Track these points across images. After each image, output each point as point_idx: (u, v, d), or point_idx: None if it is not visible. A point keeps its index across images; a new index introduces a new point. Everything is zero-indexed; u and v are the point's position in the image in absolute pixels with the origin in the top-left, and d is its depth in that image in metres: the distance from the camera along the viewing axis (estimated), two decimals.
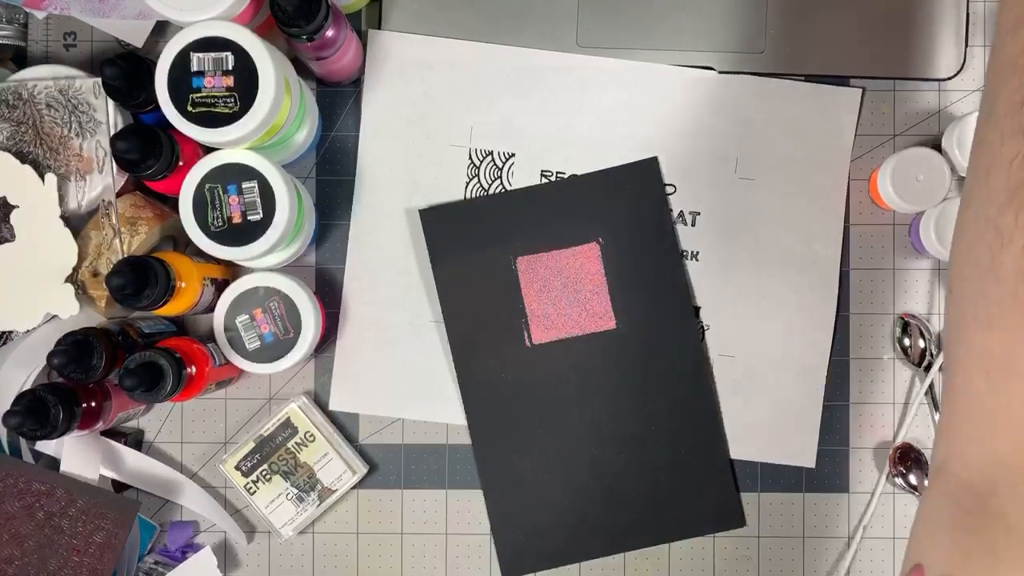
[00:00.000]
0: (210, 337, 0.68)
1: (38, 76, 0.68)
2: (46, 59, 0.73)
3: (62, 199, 0.67)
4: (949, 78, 0.73)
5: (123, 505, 0.67)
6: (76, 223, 0.68)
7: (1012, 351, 0.44)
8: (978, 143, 0.48)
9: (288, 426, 0.73)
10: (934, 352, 0.73)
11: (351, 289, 0.74)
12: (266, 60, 0.60)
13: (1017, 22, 0.47)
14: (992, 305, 0.45)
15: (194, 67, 0.60)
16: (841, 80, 0.74)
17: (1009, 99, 0.46)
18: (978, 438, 0.46)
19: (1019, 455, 0.44)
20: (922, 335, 0.73)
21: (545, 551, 0.73)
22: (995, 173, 0.46)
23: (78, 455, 0.68)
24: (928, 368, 0.73)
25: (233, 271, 0.72)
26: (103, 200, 0.68)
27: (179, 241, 0.72)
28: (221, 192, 0.63)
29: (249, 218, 0.63)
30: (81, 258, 0.67)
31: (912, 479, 0.72)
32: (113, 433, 0.73)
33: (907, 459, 0.72)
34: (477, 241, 0.73)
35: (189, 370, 0.64)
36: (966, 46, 0.73)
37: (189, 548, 0.73)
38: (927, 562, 0.46)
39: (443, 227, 0.73)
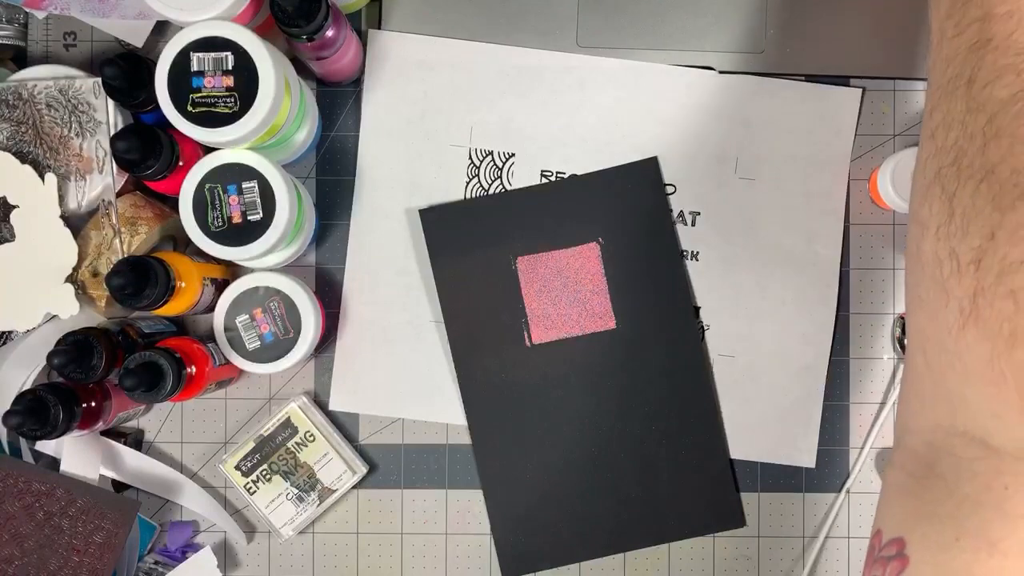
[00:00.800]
0: (210, 337, 0.68)
1: (38, 76, 0.68)
2: (46, 59, 0.73)
3: (62, 199, 0.67)
4: None
5: (123, 505, 0.67)
6: (76, 223, 0.68)
7: (937, 329, 0.48)
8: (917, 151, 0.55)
9: (288, 426, 0.73)
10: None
11: (351, 289, 0.74)
12: (266, 60, 0.60)
13: (938, 39, 0.53)
14: (920, 288, 0.50)
15: (194, 67, 0.60)
16: (841, 80, 0.74)
17: (926, 106, 0.53)
18: (922, 410, 0.51)
19: (953, 422, 0.48)
20: None
21: (545, 551, 0.73)
22: (918, 173, 0.52)
23: (78, 455, 0.68)
24: None
25: (233, 271, 0.72)
26: (103, 200, 0.68)
27: (179, 241, 0.72)
28: (221, 192, 0.63)
29: (249, 218, 0.63)
30: (81, 258, 0.67)
31: None
32: (113, 433, 0.73)
33: None
34: (477, 241, 0.73)
35: (189, 370, 0.64)
36: None
37: (189, 548, 0.73)
38: (884, 527, 0.50)
39: (443, 227, 0.73)
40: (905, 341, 0.71)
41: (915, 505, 0.48)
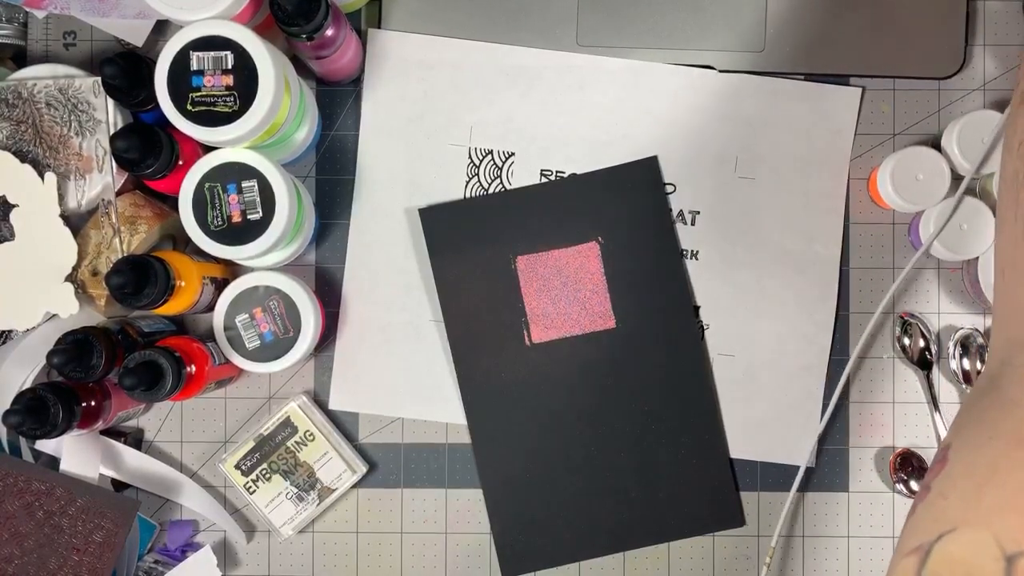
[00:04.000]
0: (210, 336, 0.68)
1: (38, 75, 0.68)
2: (46, 58, 0.73)
3: (62, 198, 0.67)
4: (949, 77, 0.73)
5: (123, 504, 0.67)
6: (76, 222, 0.68)
7: (1007, 243, 0.51)
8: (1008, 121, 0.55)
9: (288, 425, 0.73)
10: (933, 351, 0.73)
11: (351, 288, 0.74)
12: (266, 59, 0.60)
13: None
14: (1000, 208, 0.52)
15: (194, 66, 0.60)
16: (841, 79, 0.74)
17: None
18: (999, 329, 0.52)
19: (1020, 334, 0.49)
20: (922, 334, 0.73)
21: (545, 550, 0.73)
22: (1014, 101, 0.53)
23: (78, 454, 0.68)
24: (928, 367, 0.73)
25: (233, 270, 0.72)
26: (103, 199, 0.68)
27: (179, 240, 0.72)
28: (221, 191, 0.63)
29: (249, 217, 0.63)
30: (81, 257, 0.67)
31: (913, 485, 0.72)
32: (113, 432, 0.73)
33: (908, 465, 0.72)
34: (477, 240, 0.73)
35: (189, 369, 0.64)
36: (966, 45, 0.73)
37: (189, 547, 0.73)
38: (945, 442, 0.50)
39: (443, 226, 0.73)
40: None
41: (969, 414, 0.49)
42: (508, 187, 0.74)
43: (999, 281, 0.52)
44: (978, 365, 0.72)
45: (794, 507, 0.74)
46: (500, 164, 0.74)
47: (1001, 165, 0.55)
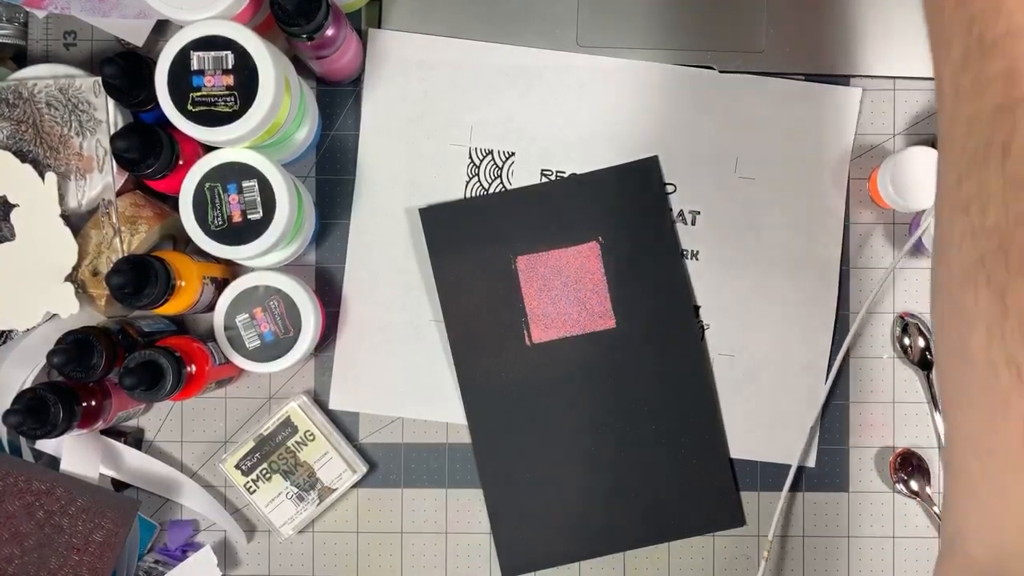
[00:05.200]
0: (210, 336, 0.68)
1: (38, 75, 0.68)
2: (46, 58, 0.73)
3: (62, 198, 0.67)
4: None
5: (123, 504, 0.67)
6: (76, 222, 0.68)
7: (998, 441, 0.43)
8: (936, 219, 0.48)
9: (288, 425, 0.73)
10: (934, 352, 0.73)
11: (351, 288, 0.74)
12: (266, 59, 0.60)
13: (951, 91, 0.46)
14: (969, 389, 0.44)
15: (194, 66, 0.60)
16: (841, 80, 0.74)
17: (947, 167, 0.46)
18: (984, 522, 0.46)
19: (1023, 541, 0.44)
20: (922, 334, 0.73)
21: (545, 550, 0.73)
22: (951, 248, 0.45)
23: (78, 454, 0.68)
24: (928, 367, 0.73)
25: (233, 270, 0.72)
26: (103, 199, 0.68)
27: (179, 240, 0.72)
28: (221, 191, 0.63)
29: (249, 217, 0.63)
30: (81, 257, 0.67)
31: (913, 485, 0.72)
32: (113, 432, 0.73)
33: (908, 465, 0.72)
34: (477, 240, 0.73)
35: (189, 369, 0.64)
36: None
37: (189, 547, 0.73)
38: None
39: (443, 226, 0.73)
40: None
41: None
42: (508, 187, 0.74)
43: (970, 464, 0.46)
44: None
45: (794, 507, 0.74)
46: (500, 164, 0.74)
47: (946, 319, 0.46)
